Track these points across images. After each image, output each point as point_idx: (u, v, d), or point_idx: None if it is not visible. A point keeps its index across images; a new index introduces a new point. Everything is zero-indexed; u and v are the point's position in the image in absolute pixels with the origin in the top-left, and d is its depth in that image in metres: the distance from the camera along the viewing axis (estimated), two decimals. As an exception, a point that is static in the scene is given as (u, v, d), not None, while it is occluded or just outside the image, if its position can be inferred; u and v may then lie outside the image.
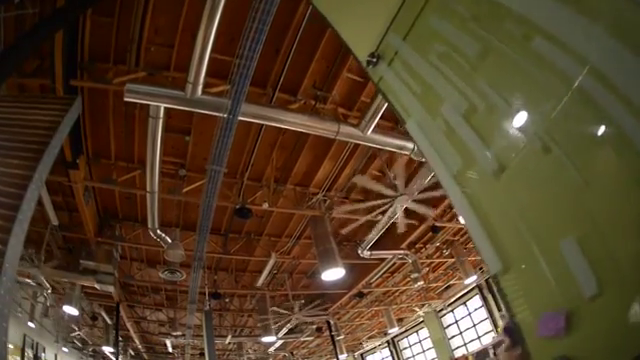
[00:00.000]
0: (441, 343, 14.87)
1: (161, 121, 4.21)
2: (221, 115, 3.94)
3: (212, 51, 4.03)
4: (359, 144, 6.32)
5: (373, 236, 7.52)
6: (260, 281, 8.86)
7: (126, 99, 3.99)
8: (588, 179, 1.14)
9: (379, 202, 5.80)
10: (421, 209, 6.15)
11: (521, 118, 1.34)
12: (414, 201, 5.84)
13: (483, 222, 1.46)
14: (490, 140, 1.44)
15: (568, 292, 1.19)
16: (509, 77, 1.39)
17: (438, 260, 11.71)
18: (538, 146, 1.26)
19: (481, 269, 14.22)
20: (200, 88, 3.88)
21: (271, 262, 7.75)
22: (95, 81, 4.77)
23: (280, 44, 4.95)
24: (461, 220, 1.57)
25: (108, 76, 4.76)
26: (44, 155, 1.85)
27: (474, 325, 15.11)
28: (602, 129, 1.12)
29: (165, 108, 4.09)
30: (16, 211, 1.63)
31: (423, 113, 1.71)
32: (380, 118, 5.17)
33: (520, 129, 1.34)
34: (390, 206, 5.89)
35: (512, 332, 1.68)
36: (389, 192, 5.50)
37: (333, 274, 6.73)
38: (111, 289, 7.95)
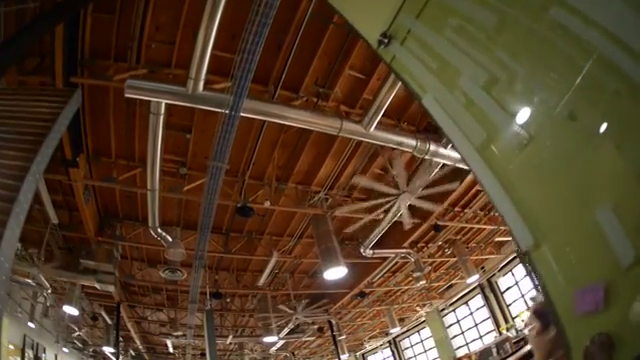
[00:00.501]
0: (443, 342, 14.81)
1: (162, 118, 4.17)
2: (223, 111, 3.90)
3: (213, 48, 4.00)
4: (361, 142, 6.29)
5: (375, 235, 7.48)
6: (261, 280, 8.81)
7: (127, 95, 3.95)
8: (619, 144, 1.11)
9: (381, 201, 5.75)
10: (425, 205, 6.09)
11: (543, 87, 1.30)
12: (417, 199, 5.79)
13: (511, 195, 1.41)
14: (513, 110, 1.40)
15: (605, 263, 1.14)
16: (528, 47, 1.36)
17: (440, 259, 11.68)
18: (564, 114, 1.23)
19: (482, 268, 14.20)
20: (202, 84, 3.84)
21: (273, 261, 7.70)
22: (95, 78, 4.73)
23: (282, 40, 4.91)
24: (489, 196, 1.50)
25: (108, 73, 4.72)
26: (42, 146, 1.81)
27: (476, 325, 15.06)
28: (628, 93, 1.08)
29: (166, 104, 4.04)
30: (12, 203, 1.59)
31: (440, 88, 1.69)
32: (383, 115, 5.15)
33: (543, 98, 1.31)
34: (393, 204, 5.84)
35: (543, 315, 1.60)
36: (391, 191, 5.45)
37: (335, 273, 6.68)
38: (111, 289, 7.91)
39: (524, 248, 1.37)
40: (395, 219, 6.73)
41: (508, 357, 6.90)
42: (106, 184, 6.09)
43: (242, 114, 3.97)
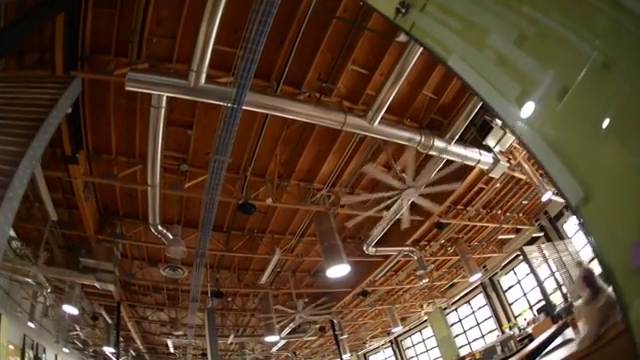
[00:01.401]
0: (446, 341, 14.74)
1: (163, 111, 4.11)
2: (225, 104, 3.84)
3: (215, 42, 3.95)
4: (364, 138, 6.24)
5: (378, 232, 7.41)
6: (263, 279, 8.74)
7: (127, 88, 3.89)
8: None
9: (388, 194, 5.66)
10: (426, 204, 6.02)
11: (575, 38, 1.29)
12: (420, 196, 5.73)
13: (554, 148, 1.37)
14: (548, 63, 1.38)
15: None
16: (558, 1, 1.35)
17: (442, 258, 11.62)
18: (598, 64, 1.21)
19: (484, 267, 14.15)
20: (204, 76, 3.78)
21: (275, 258, 7.63)
22: (96, 72, 4.67)
23: (285, 35, 4.86)
24: (530, 151, 1.47)
25: (109, 68, 4.66)
26: (39, 132, 1.75)
27: (478, 324, 15.01)
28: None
29: (167, 98, 3.98)
30: (6, 188, 1.53)
31: (467, 48, 1.67)
32: (385, 112, 5.09)
33: (576, 49, 1.29)
34: (397, 199, 5.77)
35: (591, 281, 1.52)
36: (397, 184, 5.37)
37: (338, 271, 6.61)
38: (111, 288, 7.83)
39: (574, 202, 1.32)
40: (398, 217, 6.67)
41: (512, 355, 6.84)
42: (106, 181, 6.03)
43: (245, 107, 3.91)
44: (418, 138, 5.20)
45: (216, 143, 4.28)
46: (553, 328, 5.64)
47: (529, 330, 9.30)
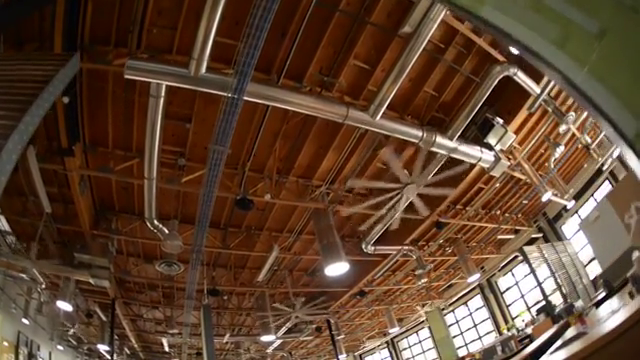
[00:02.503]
0: (445, 341, 14.68)
1: (162, 100, 4.02)
2: (226, 94, 3.76)
3: (216, 35, 3.88)
4: (364, 134, 6.19)
5: (377, 231, 7.35)
6: (261, 276, 8.64)
7: (126, 76, 3.81)
8: None
9: (388, 196, 5.59)
10: (420, 204, 5.94)
11: None
12: (419, 195, 5.66)
13: (604, 84, 1.38)
14: (584, 6, 1.39)
15: None
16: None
17: (440, 258, 11.58)
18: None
19: (482, 268, 14.12)
20: (204, 66, 3.70)
21: (273, 255, 7.53)
22: (95, 62, 4.59)
23: (286, 28, 4.80)
24: (576, 91, 1.49)
25: (108, 58, 4.59)
26: (32, 106, 1.67)
27: (475, 325, 14.98)
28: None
29: (167, 88, 3.89)
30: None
31: None
32: (387, 108, 5.03)
33: None
34: (398, 195, 5.70)
35: None
36: (403, 176, 5.26)
37: (337, 269, 6.54)
38: (106, 284, 7.71)
39: (630, 136, 1.34)
40: (398, 214, 6.60)
41: (514, 355, 6.78)
42: (102, 174, 5.93)
43: (246, 98, 3.84)
44: (420, 134, 5.15)
45: (215, 133, 4.20)
46: (554, 328, 5.60)
47: (528, 331, 9.25)
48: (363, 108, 4.77)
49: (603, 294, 5.98)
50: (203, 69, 3.72)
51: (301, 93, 4.44)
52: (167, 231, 6.07)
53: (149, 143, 4.58)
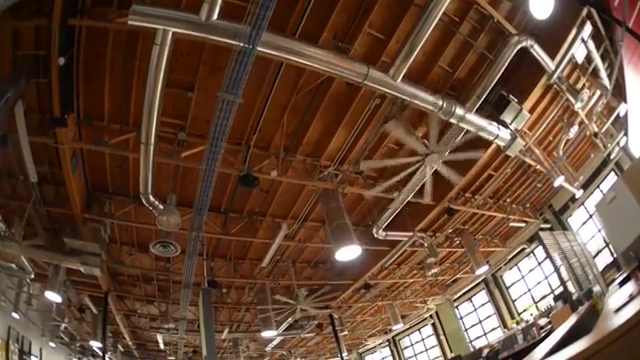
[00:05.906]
0: (456, 334, 14.30)
1: (167, 49, 3.62)
2: (238, 43, 3.37)
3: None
4: (378, 107, 5.84)
5: (390, 214, 6.94)
6: (265, 260, 8.15)
7: (130, 22, 3.42)
8: None
9: (411, 159, 5.18)
10: (450, 173, 5.61)
11: None
12: (444, 163, 5.29)
13: None
14: None
15: None
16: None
17: (448, 249, 11.27)
18: None
19: (488, 262, 13.82)
20: (217, 9, 3.32)
21: (281, 234, 7.04)
22: (95, 20, 4.22)
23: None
24: None
25: (110, 17, 4.24)
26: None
27: (480, 321, 14.66)
28: None
29: (174, 34, 3.49)
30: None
31: None
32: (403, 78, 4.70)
33: None
34: (419, 167, 5.33)
35: None
36: (420, 148, 4.93)
37: (348, 252, 6.13)
38: (97, 272, 7.22)
39: None
40: (416, 191, 6.22)
41: (537, 343, 6.43)
42: (95, 147, 5.51)
43: (260, 48, 3.45)
44: (440, 102, 4.81)
45: (225, 82, 3.80)
46: (577, 313, 5.27)
47: (540, 323, 8.89)
48: (384, 69, 4.40)
49: (626, 273, 5.67)
50: (215, 14, 3.34)
51: (319, 47, 4.05)
52: (162, 207, 5.58)
53: (149, 99, 4.17)
